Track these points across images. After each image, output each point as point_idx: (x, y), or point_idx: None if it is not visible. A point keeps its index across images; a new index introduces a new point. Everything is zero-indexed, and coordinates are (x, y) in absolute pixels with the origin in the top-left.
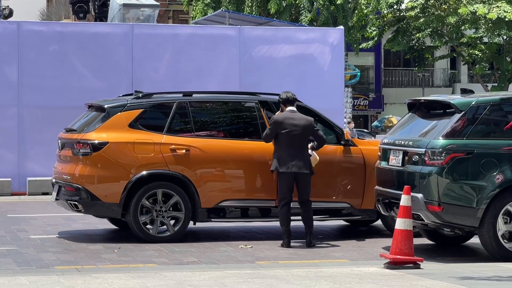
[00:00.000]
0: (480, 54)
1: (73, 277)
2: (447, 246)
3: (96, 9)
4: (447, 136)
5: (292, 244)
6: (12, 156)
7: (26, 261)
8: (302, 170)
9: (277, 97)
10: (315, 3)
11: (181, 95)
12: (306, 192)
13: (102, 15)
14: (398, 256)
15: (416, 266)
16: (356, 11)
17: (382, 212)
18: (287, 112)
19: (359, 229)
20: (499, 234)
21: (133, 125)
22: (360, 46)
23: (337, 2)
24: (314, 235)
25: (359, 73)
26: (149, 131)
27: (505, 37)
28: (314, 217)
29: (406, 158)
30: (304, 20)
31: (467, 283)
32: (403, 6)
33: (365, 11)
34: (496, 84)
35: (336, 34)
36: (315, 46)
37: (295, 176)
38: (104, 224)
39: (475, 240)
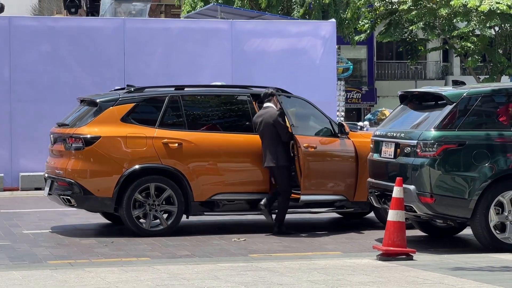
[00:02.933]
0: (472, 47)
1: (66, 271)
2: (440, 237)
3: (88, 3)
4: (439, 127)
5: (284, 237)
6: (4, 152)
7: (19, 256)
8: (270, 164)
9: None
10: None
11: (173, 89)
12: (279, 184)
13: (93, 10)
14: (391, 248)
15: (409, 257)
16: (350, 5)
17: (375, 204)
18: (261, 110)
19: (352, 221)
20: (491, 225)
21: (125, 119)
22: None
23: (326, 1)
24: (307, 227)
25: (351, 66)
26: (141, 125)
27: (497, 28)
28: (306, 209)
29: (398, 150)
30: (296, 15)
31: (459, 273)
32: None
33: (358, 3)
34: (488, 76)
35: (328, 27)
36: (307, 39)
37: (270, 169)
38: (97, 219)
39: (467, 231)
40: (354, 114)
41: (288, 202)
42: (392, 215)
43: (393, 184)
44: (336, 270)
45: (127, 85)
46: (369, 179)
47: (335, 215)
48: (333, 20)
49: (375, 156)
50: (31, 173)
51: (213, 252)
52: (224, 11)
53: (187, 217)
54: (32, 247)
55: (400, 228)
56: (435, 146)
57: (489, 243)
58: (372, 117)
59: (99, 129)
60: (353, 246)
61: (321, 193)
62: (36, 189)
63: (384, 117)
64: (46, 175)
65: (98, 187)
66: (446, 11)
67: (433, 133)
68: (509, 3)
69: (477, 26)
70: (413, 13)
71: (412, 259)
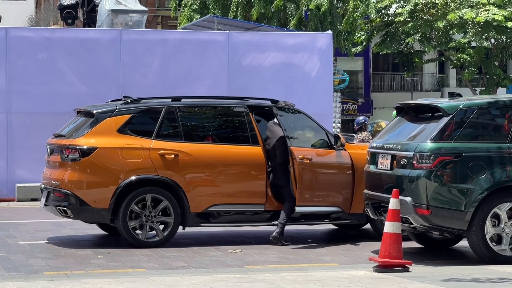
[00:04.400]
0: (468, 59)
1: (62, 282)
2: (436, 249)
3: (85, 15)
4: (435, 139)
5: (281, 248)
6: (0, 162)
7: (15, 267)
8: (273, 181)
9: (266, 102)
10: (299, 7)
11: (169, 100)
12: (285, 198)
13: (90, 21)
14: (387, 260)
15: (405, 269)
16: (346, 17)
17: (371, 216)
18: (269, 128)
19: (348, 233)
20: (488, 237)
21: (122, 130)
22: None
23: (322, 10)
24: (303, 239)
25: (347, 78)
26: (138, 136)
27: (493, 40)
28: (303, 221)
29: (395, 161)
30: (291, 26)
31: (455, 285)
32: (391, 11)
33: (354, 15)
34: (484, 88)
35: (325, 38)
36: (303, 51)
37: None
38: (93, 230)
39: (463, 243)
40: (350, 126)
41: (291, 211)
42: (389, 226)
43: (390, 196)
44: (333, 281)
45: (124, 96)
46: (366, 191)
47: (331, 226)
48: (330, 31)
49: (372, 168)
50: (28, 184)
51: (209, 263)
52: (220, 23)
53: (184, 229)
54: (28, 258)
55: (397, 240)
56: (432, 158)
57: (485, 255)
58: (369, 129)
59: (95, 140)
60: (349, 257)
61: (317, 204)
62: (33, 200)
63: (380, 128)
64: (43, 186)
65: (95, 198)
66: (443, 23)
67: (429, 145)
68: (505, 14)
69: (473, 38)
70: (410, 25)
71: (408, 271)
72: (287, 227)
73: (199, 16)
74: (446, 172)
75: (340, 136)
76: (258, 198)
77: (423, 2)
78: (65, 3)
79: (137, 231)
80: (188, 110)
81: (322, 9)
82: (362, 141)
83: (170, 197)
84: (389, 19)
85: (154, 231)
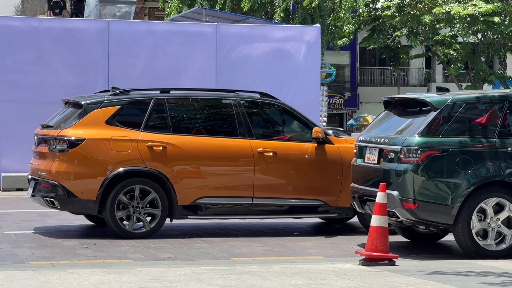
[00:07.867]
0: (455, 54)
1: (48, 272)
2: (422, 243)
3: (72, 5)
4: (423, 134)
5: (267, 241)
6: None
7: (1, 256)
8: None
9: (254, 95)
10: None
11: (158, 91)
12: None
13: (78, 11)
14: (374, 253)
15: (391, 262)
16: (338, 13)
17: (358, 210)
18: None
19: (335, 226)
20: (474, 231)
21: (110, 121)
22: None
23: (313, 5)
24: (289, 232)
25: (334, 72)
26: (126, 128)
27: (480, 35)
28: (289, 215)
29: (382, 155)
30: (277, 18)
31: (441, 278)
32: (378, 5)
33: (344, 7)
34: (470, 84)
35: (313, 32)
36: (291, 43)
37: None
38: (80, 220)
39: (449, 238)
40: (336, 120)
41: None
42: (375, 220)
43: (377, 190)
44: (319, 274)
45: (112, 88)
46: (352, 184)
47: (317, 220)
48: (318, 25)
49: (359, 162)
50: (14, 174)
51: (196, 255)
52: (209, 15)
53: (171, 221)
54: (14, 247)
55: (383, 234)
56: (419, 152)
57: (471, 250)
58: (354, 123)
59: (83, 131)
60: (335, 251)
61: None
62: (18, 190)
63: (366, 123)
64: (30, 176)
65: (82, 189)
66: (430, 18)
67: (417, 139)
68: (491, 7)
69: (460, 32)
70: (397, 19)
71: (394, 265)
72: (273, 220)
73: (187, 8)
74: (433, 167)
75: (328, 130)
76: (245, 191)
77: None
78: None
79: (124, 222)
80: (177, 102)
81: (313, 4)
82: None
83: (158, 189)
84: (377, 13)
85: (141, 223)
